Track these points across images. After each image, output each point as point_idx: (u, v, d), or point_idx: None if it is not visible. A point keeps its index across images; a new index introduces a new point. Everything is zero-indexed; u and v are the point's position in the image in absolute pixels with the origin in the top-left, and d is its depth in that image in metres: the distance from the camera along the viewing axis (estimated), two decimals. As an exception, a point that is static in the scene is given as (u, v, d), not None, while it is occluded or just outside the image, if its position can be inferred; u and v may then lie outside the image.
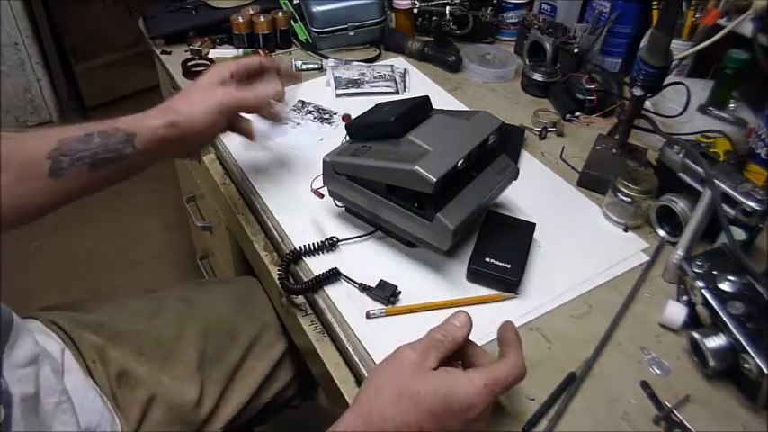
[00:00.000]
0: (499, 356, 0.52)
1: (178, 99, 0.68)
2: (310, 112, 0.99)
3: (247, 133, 0.75)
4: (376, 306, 0.66)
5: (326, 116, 0.98)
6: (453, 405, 0.46)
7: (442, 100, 1.03)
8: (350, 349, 0.63)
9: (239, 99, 0.70)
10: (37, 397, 0.57)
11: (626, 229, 0.77)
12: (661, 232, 0.76)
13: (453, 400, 0.46)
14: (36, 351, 0.60)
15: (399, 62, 1.14)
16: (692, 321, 0.63)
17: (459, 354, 0.53)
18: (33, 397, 0.56)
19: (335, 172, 0.72)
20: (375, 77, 1.06)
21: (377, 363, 0.60)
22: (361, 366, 0.61)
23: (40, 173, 0.59)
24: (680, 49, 0.96)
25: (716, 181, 0.66)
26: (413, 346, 0.50)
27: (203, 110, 0.67)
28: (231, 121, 0.72)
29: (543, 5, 1.19)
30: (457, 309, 0.53)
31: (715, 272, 0.62)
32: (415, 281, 0.69)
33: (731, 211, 0.66)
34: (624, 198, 0.75)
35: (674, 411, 0.56)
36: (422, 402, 0.46)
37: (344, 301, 0.67)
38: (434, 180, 0.61)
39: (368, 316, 0.65)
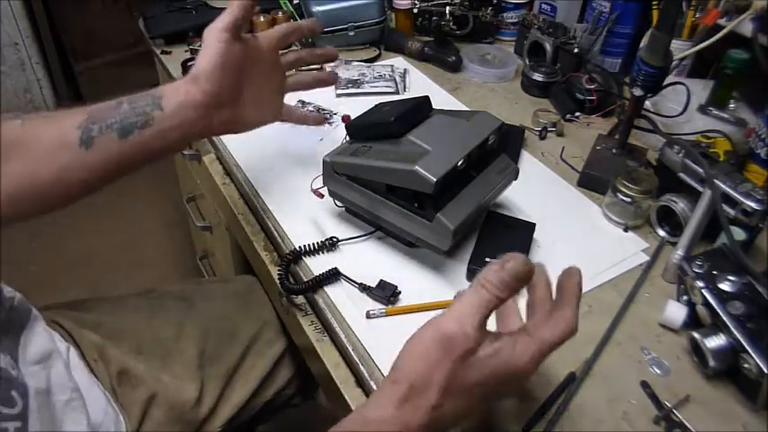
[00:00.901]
0: (554, 305, 0.47)
1: (197, 58, 0.66)
2: (310, 112, 0.99)
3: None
4: (376, 306, 0.66)
5: (326, 116, 0.98)
6: (506, 377, 0.44)
7: (442, 100, 1.03)
8: (350, 349, 0.63)
9: (225, 16, 0.67)
10: (49, 392, 0.57)
11: (626, 229, 0.77)
12: (661, 232, 0.76)
13: (507, 374, 0.44)
14: (50, 348, 0.60)
15: (399, 62, 1.14)
16: (692, 321, 0.63)
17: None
18: (45, 392, 0.56)
19: (335, 172, 0.72)
20: (375, 77, 1.06)
21: (376, 362, 0.60)
22: (361, 366, 0.61)
23: (71, 143, 0.59)
24: (680, 49, 0.96)
25: (716, 181, 0.66)
26: (464, 330, 0.43)
27: (209, 47, 0.65)
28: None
29: (543, 5, 1.19)
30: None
31: (715, 272, 0.62)
32: (415, 281, 0.69)
33: (731, 211, 0.66)
34: (624, 198, 0.75)
35: (674, 411, 0.56)
36: (476, 389, 0.44)
37: (344, 301, 0.67)
38: (434, 180, 0.61)
39: (368, 316, 0.65)
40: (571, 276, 0.48)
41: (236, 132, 0.71)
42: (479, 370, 0.43)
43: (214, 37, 0.65)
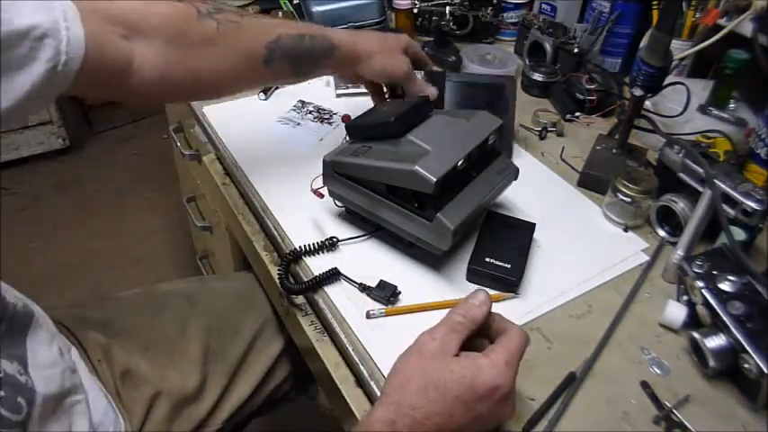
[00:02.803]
0: (497, 334, 0.53)
1: (368, 36, 0.79)
2: (310, 112, 0.99)
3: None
4: (376, 306, 0.66)
5: (326, 116, 0.98)
6: (480, 390, 0.47)
7: (442, 100, 1.03)
8: (350, 349, 0.63)
9: (411, 77, 0.79)
10: (59, 397, 0.57)
11: (626, 229, 0.77)
12: (661, 232, 0.76)
13: (479, 385, 0.47)
14: (57, 351, 0.60)
15: (399, 62, 1.14)
16: (692, 321, 0.63)
17: (481, 329, 0.53)
18: (55, 397, 0.56)
19: (335, 172, 0.72)
20: (375, 77, 1.06)
21: (376, 362, 0.61)
22: (361, 366, 0.61)
23: (257, 57, 0.69)
24: (680, 49, 0.96)
25: (716, 181, 0.66)
26: (432, 333, 0.50)
27: (382, 61, 0.77)
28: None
29: (543, 5, 1.19)
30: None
31: (715, 272, 0.62)
32: (415, 281, 0.69)
33: (731, 211, 0.66)
34: (624, 198, 0.75)
35: (674, 411, 0.56)
36: (449, 391, 0.47)
37: (344, 301, 0.67)
38: (434, 180, 0.61)
39: (368, 316, 0.65)
40: (484, 316, 0.53)
41: (365, 77, 0.81)
42: (450, 370, 0.48)
43: (404, 64, 0.79)
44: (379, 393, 0.58)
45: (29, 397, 0.52)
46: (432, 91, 0.80)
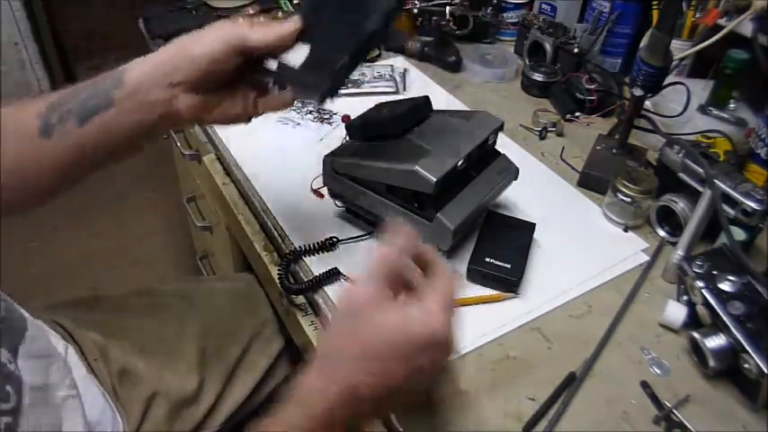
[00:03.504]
0: (427, 272, 0.49)
1: (181, 36, 0.58)
2: (310, 112, 0.99)
3: (274, 102, 0.62)
4: (376, 306, 0.66)
5: (326, 116, 0.98)
6: (417, 341, 0.45)
7: (442, 100, 1.03)
8: (350, 349, 0.63)
9: (246, 30, 0.56)
10: (46, 389, 0.57)
11: (626, 229, 0.77)
12: (661, 232, 0.76)
13: (416, 336, 0.45)
14: (48, 347, 0.60)
15: (399, 62, 1.14)
16: (692, 321, 0.63)
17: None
18: (42, 388, 0.56)
19: (335, 172, 0.72)
20: (375, 77, 1.06)
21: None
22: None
23: (32, 133, 0.55)
24: (680, 49, 0.96)
25: (716, 181, 0.66)
26: (360, 289, 0.47)
27: (203, 39, 0.56)
28: (243, 61, 0.57)
29: (543, 5, 1.19)
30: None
31: (715, 272, 0.62)
32: (415, 281, 0.69)
33: (731, 211, 0.66)
34: (624, 198, 0.75)
35: (674, 411, 0.56)
36: (384, 350, 0.45)
37: (344, 301, 0.67)
38: (434, 180, 0.61)
39: (368, 316, 0.65)
40: (412, 247, 0.49)
41: (205, 123, 0.65)
42: (385, 330, 0.45)
43: (220, 38, 0.55)
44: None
45: (17, 386, 0.52)
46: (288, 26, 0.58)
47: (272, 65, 0.59)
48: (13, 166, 0.56)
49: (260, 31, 0.56)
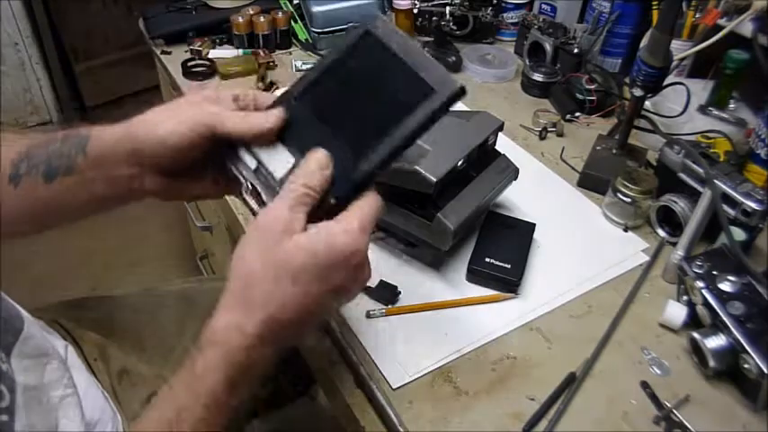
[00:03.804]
0: None
1: (152, 110, 0.54)
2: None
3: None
4: (376, 306, 0.66)
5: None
6: (335, 258, 0.43)
7: (442, 100, 1.03)
8: (350, 349, 0.63)
9: (219, 116, 0.51)
10: (41, 389, 0.57)
11: (626, 229, 0.77)
12: (661, 232, 0.76)
13: (335, 256, 0.43)
14: (45, 346, 0.60)
15: (399, 62, 1.14)
16: (692, 321, 0.63)
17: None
18: (36, 388, 0.56)
19: (335, 172, 0.72)
20: (375, 77, 1.06)
21: (376, 362, 0.60)
22: (361, 366, 0.61)
23: (3, 177, 0.54)
24: (680, 49, 0.96)
25: (716, 181, 0.66)
26: (274, 212, 0.44)
27: (170, 120, 0.52)
28: (214, 148, 0.52)
29: (543, 5, 1.19)
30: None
31: (715, 272, 0.62)
32: (415, 281, 0.69)
33: (731, 211, 0.66)
34: (624, 198, 0.75)
35: (674, 411, 0.56)
36: (302, 272, 0.43)
37: (344, 301, 0.67)
38: (434, 180, 0.61)
39: (368, 316, 0.65)
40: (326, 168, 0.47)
41: (169, 200, 0.61)
42: (302, 249, 0.43)
43: (192, 122, 0.51)
44: (378, 394, 0.58)
45: (9, 385, 0.52)
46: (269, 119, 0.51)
47: (250, 161, 0.50)
48: None
49: (235, 121, 0.50)
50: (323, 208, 0.46)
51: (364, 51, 0.50)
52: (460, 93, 0.47)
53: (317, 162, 0.46)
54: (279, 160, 0.49)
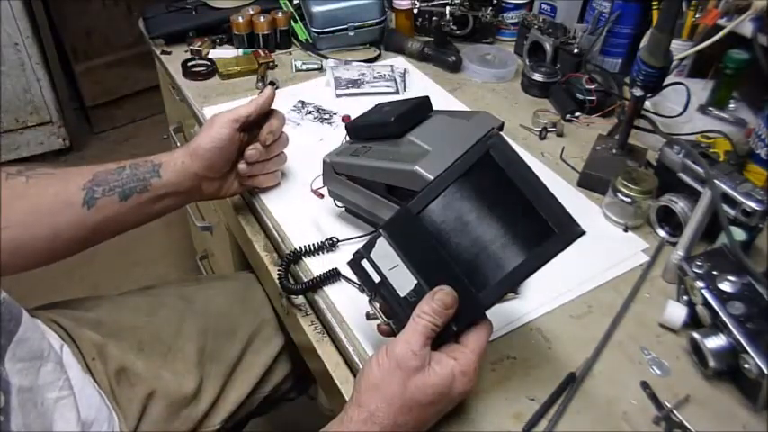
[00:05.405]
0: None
1: (199, 133, 0.74)
2: (310, 113, 0.99)
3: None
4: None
5: (326, 116, 0.98)
6: (453, 397, 0.51)
7: (442, 100, 1.03)
8: (350, 349, 0.63)
9: (235, 109, 0.73)
10: (36, 391, 0.57)
11: (626, 229, 0.77)
12: (661, 232, 0.76)
13: (453, 394, 0.51)
14: (41, 346, 0.60)
15: (399, 62, 1.14)
16: (692, 321, 0.63)
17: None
18: (31, 390, 0.56)
19: (335, 172, 0.72)
20: (375, 78, 1.06)
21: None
22: (361, 366, 0.61)
23: (75, 202, 0.66)
24: (680, 49, 0.96)
25: (716, 181, 0.66)
26: (411, 347, 0.50)
27: (210, 130, 0.72)
28: (242, 145, 0.74)
29: (543, 5, 1.19)
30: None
31: (715, 272, 0.62)
32: (414, 281, 0.69)
33: (731, 211, 0.66)
34: (624, 198, 0.75)
35: (674, 411, 0.56)
36: (428, 405, 0.50)
37: (344, 302, 0.67)
38: (434, 180, 0.61)
39: (368, 316, 0.65)
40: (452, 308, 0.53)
41: (219, 198, 0.80)
42: (430, 386, 0.50)
43: (221, 123, 0.72)
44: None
45: (4, 387, 0.52)
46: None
47: (374, 276, 0.56)
48: (55, 232, 0.66)
49: (245, 106, 0.73)
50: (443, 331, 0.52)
51: (485, 175, 0.52)
52: (580, 236, 0.51)
53: (443, 303, 0.51)
54: (402, 280, 0.54)
